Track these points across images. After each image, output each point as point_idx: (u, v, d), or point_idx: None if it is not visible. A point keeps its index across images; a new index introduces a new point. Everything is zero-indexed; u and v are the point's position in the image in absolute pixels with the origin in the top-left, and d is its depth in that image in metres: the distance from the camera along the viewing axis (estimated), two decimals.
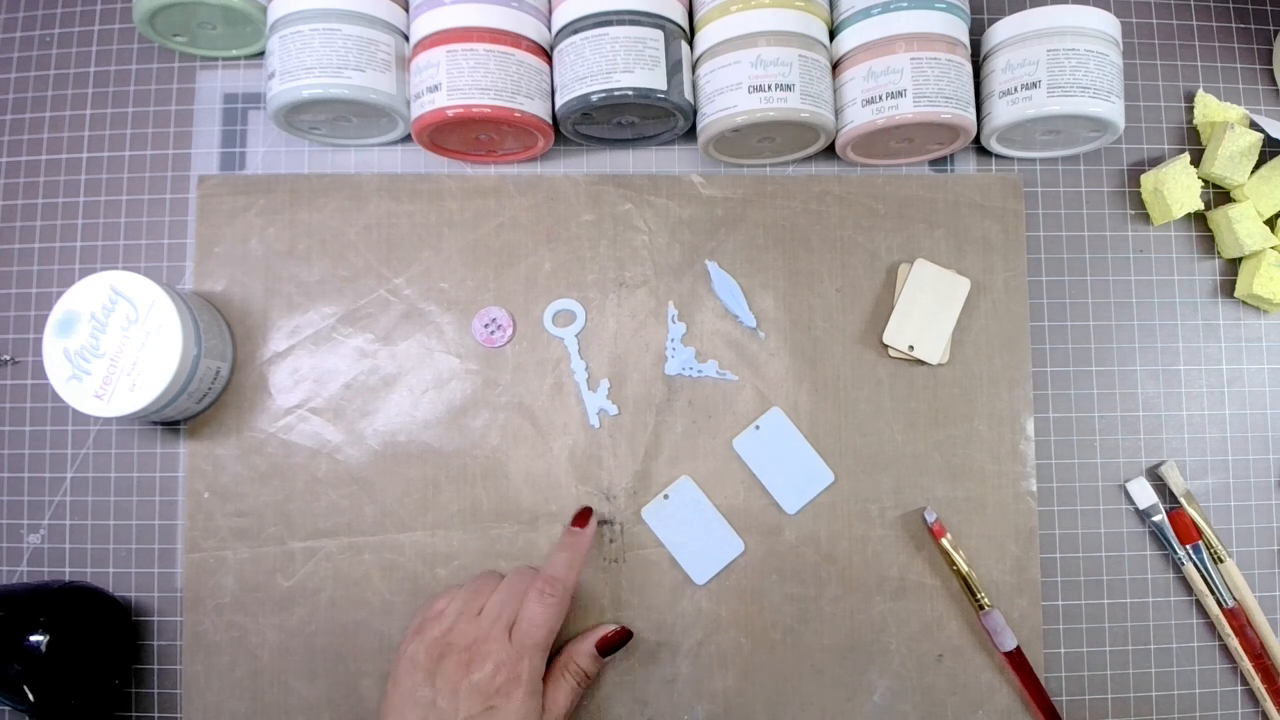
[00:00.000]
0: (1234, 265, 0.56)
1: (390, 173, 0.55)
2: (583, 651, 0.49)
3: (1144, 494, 0.54)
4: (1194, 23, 0.58)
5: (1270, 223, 0.55)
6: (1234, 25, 0.59)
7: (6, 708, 0.48)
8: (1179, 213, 0.54)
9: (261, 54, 0.55)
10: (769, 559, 0.53)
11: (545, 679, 0.47)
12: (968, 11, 0.52)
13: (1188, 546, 0.53)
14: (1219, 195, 0.57)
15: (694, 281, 0.54)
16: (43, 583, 0.51)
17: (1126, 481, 0.55)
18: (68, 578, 0.53)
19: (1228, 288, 0.56)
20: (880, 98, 0.50)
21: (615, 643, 0.50)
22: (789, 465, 0.53)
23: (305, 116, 0.51)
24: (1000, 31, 0.52)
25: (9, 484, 0.53)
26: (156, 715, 0.52)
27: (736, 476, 0.53)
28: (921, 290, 0.54)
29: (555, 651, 0.48)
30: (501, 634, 0.46)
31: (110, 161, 0.55)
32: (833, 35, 0.52)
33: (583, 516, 0.51)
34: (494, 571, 0.51)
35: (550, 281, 0.54)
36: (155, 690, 0.52)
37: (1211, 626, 0.54)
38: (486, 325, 0.53)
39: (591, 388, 0.53)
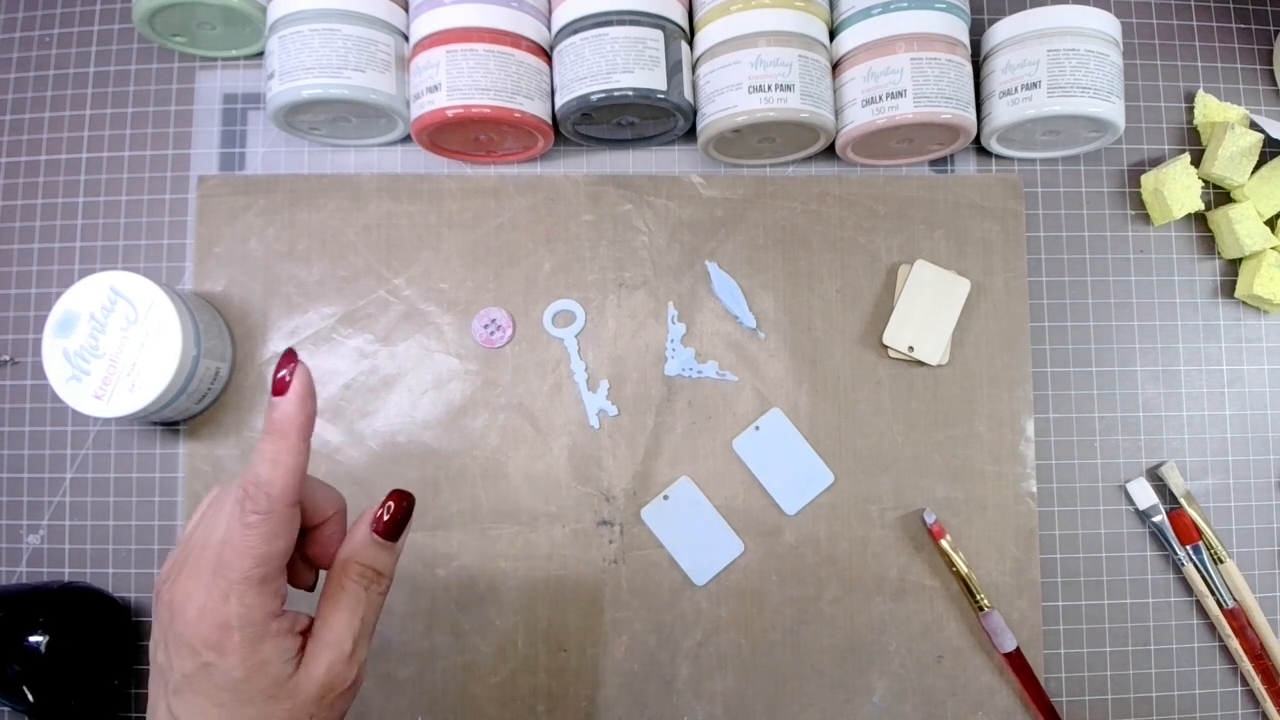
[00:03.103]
0: (1234, 266, 0.56)
1: (390, 173, 0.55)
2: (359, 545, 0.36)
3: (1144, 494, 0.54)
4: (1194, 23, 0.58)
5: (1270, 223, 0.55)
6: (1234, 25, 0.59)
7: (6, 708, 0.48)
8: (1179, 213, 0.54)
9: (261, 54, 0.55)
10: (769, 560, 0.53)
11: (328, 600, 0.35)
12: (968, 11, 0.52)
13: (1188, 547, 0.53)
14: (1219, 195, 0.57)
15: (694, 282, 0.54)
16: (42, 583, 0.51)
17: (1126, 482, 0.55)
18: (67, 578, 0.53)
19: (1228, 288, 0.56)
20: (880, 98, 0.50)
21: (397, 518, 0.37)
22: (789, 466, 0.53)
23: (305, 117, 0.51)
24: (1000, 32, 0.52)
25: (9, 484, 0.53)
26: None
27: (736, 477, 0.53)
28: (921, 291, 0.54)
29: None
30: (205, 570, 0.33)
31: (110, 161, 0.55)
32: (833, 35, 0.52)
33: (283, 362, 0.35)
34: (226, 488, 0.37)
35: (550, 282, 0.54)
36: None
37: (1212, 627, 0.54)
38: (486, 326, 0.53)
39: (591, 388, 0.53)
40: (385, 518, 0.37)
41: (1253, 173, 0.55)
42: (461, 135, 0.52)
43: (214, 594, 0.33)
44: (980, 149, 0.56)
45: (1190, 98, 0.58)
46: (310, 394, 0.34)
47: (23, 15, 0.56)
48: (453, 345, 0.54)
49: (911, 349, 0.53)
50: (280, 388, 0.34)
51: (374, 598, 0.36)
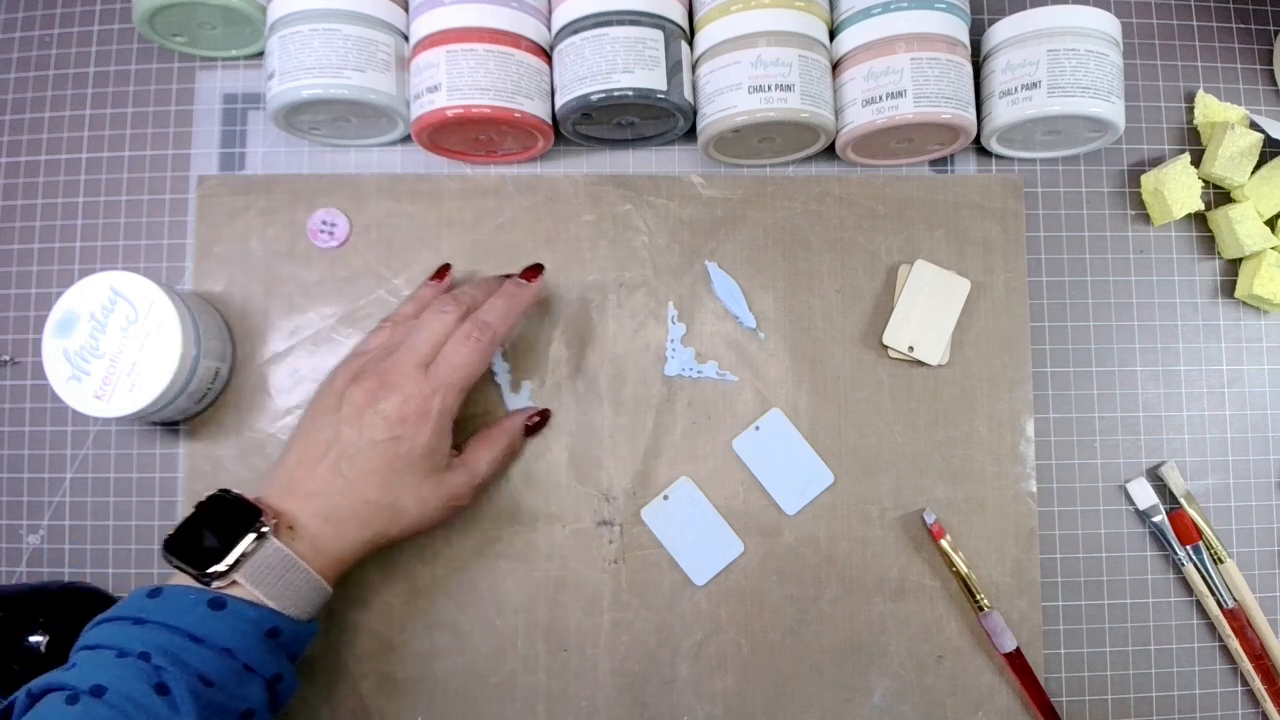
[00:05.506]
0: (1234, 266, 0.56)
1: (390, 173, 0.55)
2: (514, 425, 0.51)
3: (1144, 494, 0.54)
4: (1194, 23, 0.58)
5: (1270, 223, 0.55)
6: (1234, 25, 0.59)
7: None
8: (1179, 213, 0.54)
9: (261, 54, 0.55)
10: (768, 560, 0.53)
11: (481, 440, 0.49)
12: (968, 11, 0.52)
13: (1188, 547, 0.53)
14: (1219, 196, 0.57)
15: (694, 282, 0.54)
16: (42, 583, 0.51)
17: (1126, 482, 0.55)
18: (67, 578, 0.53)
19: (1228, 288, 0.56)
20: (880, 98, 0.50)
21: (540, 425, 0.53)
22: (788, 466, 0.53)
23: (305, 117, 0.51)
24: (1000, 31, 0.52)
25: (9, 484, 0.53)
26: None
27: (736, 477, 0.53)
28: (921, 291, 0.54)
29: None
30: (415, 368, 0.45)
31: (110, 161, 0.55)
32: (833, 35, 0.52)
33: (533, 271, 0.50)
34: (424, 303, 0.49)
35: (550, 282, 0.54)
36: None
37: (1212, 627, 0.54)
38: (321, 228, 0.53)
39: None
40: (533, 422, 0.52)
41: (1253, 173, 0.55)
42: (461, 135, 0.52)
43: (423, 389, 0.44)
44: (980, 149, 0.56)
45: (1190, 98, 0.58)
46: (539, 295, 0.50)
47: (23, 15, 0.56)
48: None
49: (911, 349, 0.53)
50: (531, 275, 0.50)
51: (506, 459, 0.51)
